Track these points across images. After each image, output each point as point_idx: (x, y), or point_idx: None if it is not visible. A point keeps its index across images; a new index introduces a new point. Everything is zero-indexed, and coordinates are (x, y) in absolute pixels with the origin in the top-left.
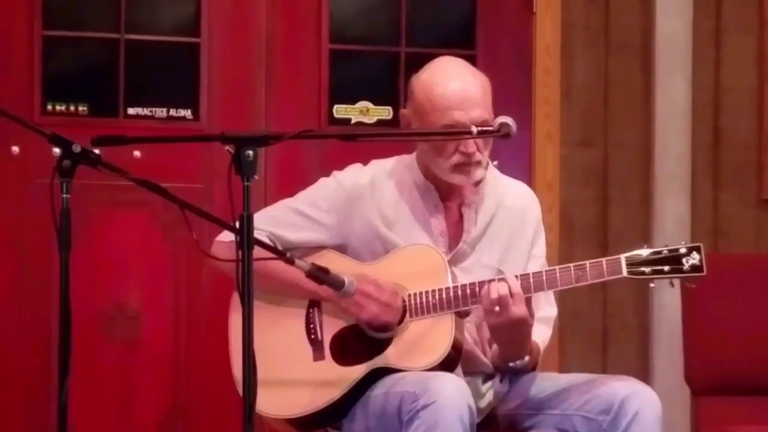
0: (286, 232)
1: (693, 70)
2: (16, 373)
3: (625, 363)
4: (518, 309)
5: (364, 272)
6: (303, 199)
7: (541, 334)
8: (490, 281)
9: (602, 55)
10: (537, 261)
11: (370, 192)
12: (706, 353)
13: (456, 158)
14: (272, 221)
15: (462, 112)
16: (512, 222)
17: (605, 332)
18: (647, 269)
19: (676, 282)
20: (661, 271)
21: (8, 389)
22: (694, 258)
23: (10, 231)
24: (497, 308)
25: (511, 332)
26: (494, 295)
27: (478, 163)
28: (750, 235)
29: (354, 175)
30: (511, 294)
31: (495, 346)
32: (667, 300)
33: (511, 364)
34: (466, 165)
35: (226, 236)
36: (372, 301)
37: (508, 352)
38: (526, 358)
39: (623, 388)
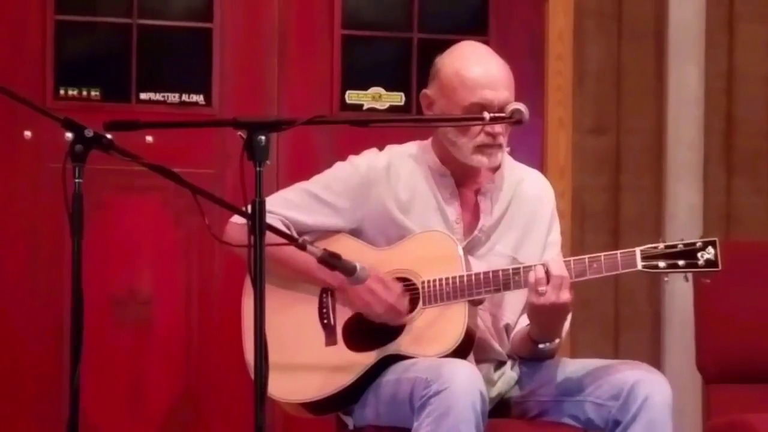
0: (300, 215)
1: (706, 57)
2: (29, 357)
3: (637, 351)
4: (564, 294)
5: (378, 258)
6: (318, 182)
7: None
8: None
9: (615, 41)
10: (553, 248)
11: (385, 177)
12: (718, 341)
13: (481, 138)
14: (287, 204)
15: (492, 92)
16: (528, 209)
17: (617, 320)
18: (662, 263)
19: (690, 275)
20: (676, 266)
21: (21, 374)
22: (710, 253)
23: (23, 215)
24: (542, 288)
25: (552, 316)
26: (541, 274)
27: (500, 146)
28: (762, 223)
29: (369, 160)
30: (561, 278)
31: (521, 330)
32: (679, 288)
33: (540, 346)
34: (489, 147)
35: (241, 218)
36: (377, 301)
37: (542, 334)
38: (557, 341)
39: (633, 373)
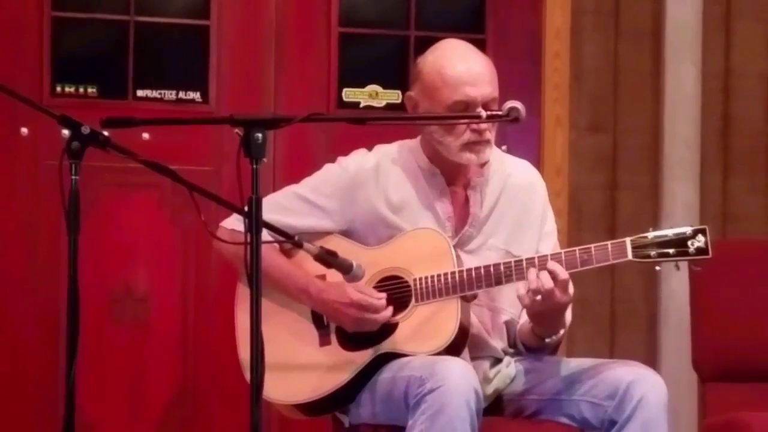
0: (291, 218)
1: (703, 55)
2: (26, 354)
3: (633, 349)
4: (564, 296)
5: (369, 257)
6: (307, 185)
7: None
8: (529, 264)
9: (612, 40)
10: (550, 239)
11: (374, 177)
12: (714, 339)
13: (467, 136)
14: (277, 207)
15: (474, 88)
16: (519, 201)
17: (613, 318)
18: (652, 252)
19: (682, 265)
20: (667, 254)
21: (18, 371)
22: (700, 240)
23: (20, 213)
24: (539, 297)
25: (553, 315)
26: (534, 285)
27: (488, 141)
28: (759, 221)
29: (358, 161)
30: (556, 282)
31: (525, 323)
32: (676, 286)
33: (547, 340)
34: (476, 144)
35: (229, 222)
36: (348, 316)
37: (544, 330)
38: (561, 332)
39: (628, 373)
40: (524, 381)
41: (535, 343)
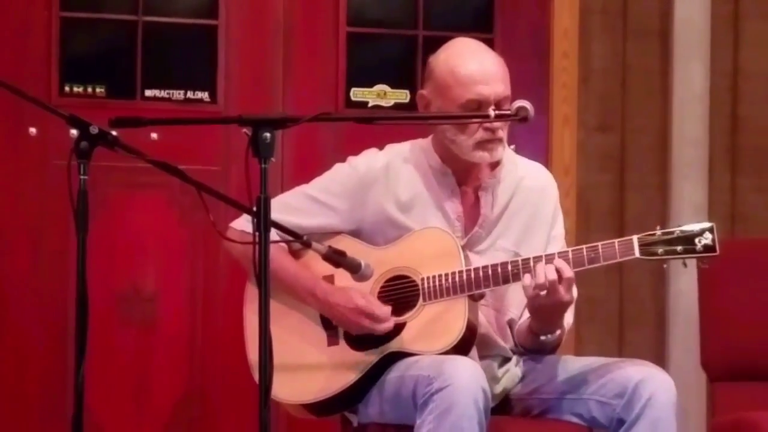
0: (301, 218)
1: (711, 55)
2: (34, 355)
3: (642, 349)
4: (567, 294)
5: (377, 257)
6: (317, 185)
7: (566, 316)
8: (536, 262)
9: (620, 39)
10: (557, 242)
11: (384, 177)
12: (723, 339)
13: (480, 134)
14: (287, 208)
15: (487, 86)
16: (530, 203)
17: (622, 318)
18: (660, 249)
19: (690, 263)
20: (674, 252)
21: (26, 371)
22: (707, 238)
23: (28, 212)
24: (544, 292)
25: (553, 312)
26: (541, 279)
27: (500, 140)
28: (767, 221)
29: (368, 160)
30: (561, 279)
31: (524, 322)
32: (684, 285)
33: (542, 338)
34: (489, 142)
35: (239, 223)
36: (351, 320)
37: (542, 328)
38: (558, 332)
39: (637, 372)
40: (532, 380)
41: (531, 341)
